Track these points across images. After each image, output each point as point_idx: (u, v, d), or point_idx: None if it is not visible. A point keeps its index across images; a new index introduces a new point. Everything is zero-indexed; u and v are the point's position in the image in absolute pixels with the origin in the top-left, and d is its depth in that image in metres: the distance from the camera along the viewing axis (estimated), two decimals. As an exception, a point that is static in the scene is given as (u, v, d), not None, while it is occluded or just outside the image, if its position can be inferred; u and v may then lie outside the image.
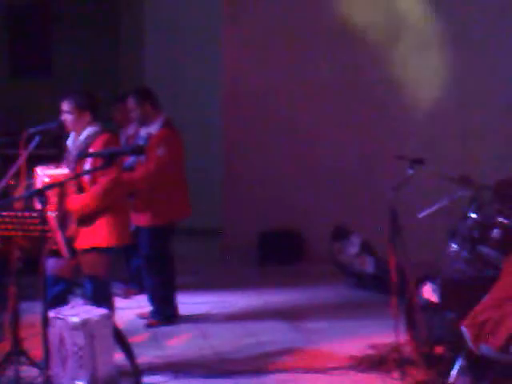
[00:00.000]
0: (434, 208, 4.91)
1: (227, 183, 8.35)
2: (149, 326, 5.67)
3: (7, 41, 10.37)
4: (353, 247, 7.02)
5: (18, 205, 4.38)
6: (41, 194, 3.66)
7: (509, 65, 7.34)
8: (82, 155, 4.46)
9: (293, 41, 7.86)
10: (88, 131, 4.56)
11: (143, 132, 5.63)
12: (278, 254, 7.85)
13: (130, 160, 5.54)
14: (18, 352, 4.18)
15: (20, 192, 4.51)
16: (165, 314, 5.78)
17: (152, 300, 5.82)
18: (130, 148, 4.91)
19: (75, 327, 3.89)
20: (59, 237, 4.25)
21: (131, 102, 5.57)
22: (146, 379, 4.47)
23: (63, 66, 10.50)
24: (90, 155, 4.46)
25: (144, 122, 5.53)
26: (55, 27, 10.64)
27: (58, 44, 10.62)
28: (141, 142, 5.52)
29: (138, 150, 4.68)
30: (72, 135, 4.74)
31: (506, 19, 7.24)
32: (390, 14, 7.58)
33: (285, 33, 7.92)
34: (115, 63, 10.75)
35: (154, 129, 5.46)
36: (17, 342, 4.22)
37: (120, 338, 4.34)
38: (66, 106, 4.55)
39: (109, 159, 4.14)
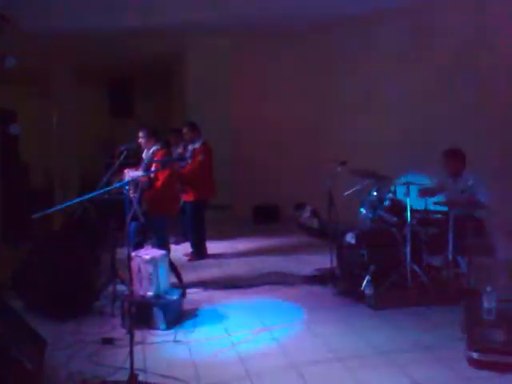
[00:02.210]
0: (352, 190, 5.98)
1: (234, 177, 10.13)
2: (189, 260, 7.03)
3: (108, 97, 13.40)
4: (306, 213, 8.66)
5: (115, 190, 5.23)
6: (126, 184, 4.30)
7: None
8: (150, 162, 5.65)
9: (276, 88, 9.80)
10: (153, 148, 5.69)
11: (190, 147, 7.13)
12: (263, 218, 9.70)
13: (181, 164, 7.04)
14: (115, 276, 5.15)
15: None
16: (199, 253, 7.22)
17: (192, 245, 7.24)
18: (177, 157, 6.22)
19: (147, 261, 4.65)
20: (138, 209, 5.16)
21: (185, 129, 7.17)
22: (188, 290, 5.45)
23: (140, 111, 13.21)
24: (155, 161, 5.64)
25: (191, 141, 7.14)
26: (136, 88, 13.40)
27: (138, 98, 13.51)
28: (188, 154, 7.09)
29: (182, 158, 6.37)
30: (145, 151, 5.78)
31: None
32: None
33: (271, 81, 9.90)
34: (170, 108, 13.49)
35: (197, 145, 7.09)
36: (114, 270, 5.15)
37: (173, 267, 5.41)
38: (141, 133, 5.74)
39: (164, 164, 5.63)
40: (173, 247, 7.33)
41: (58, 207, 3.55)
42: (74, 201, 3.54)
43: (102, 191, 3.74)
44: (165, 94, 13.58)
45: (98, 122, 13.14)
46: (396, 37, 8.21)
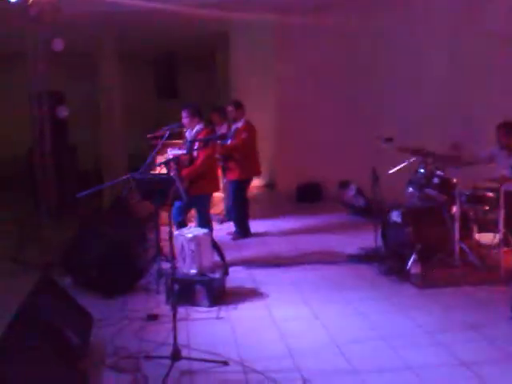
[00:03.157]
0: (398, 167, 5.86)
1: (278, 156, 10.35)
2: (233, 239, 7.00)
3: (153, 77, 13.62)
4: (351, 192, 8.53)
5: (158, 169, 5.80)
6: (167, 163, 4.77)
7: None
8: (192, 140, 5.65)
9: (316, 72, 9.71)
10: (197, 128, 5.67)
11: (234, 126, 7.17)
12: (307, 197, 9.60)
13: (224, 141, 6.94)
14: (159, 254, 5.27)
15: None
16: (242, 232, 7.22)
17: (235, 224, 7.20)
18: (217, 136, 5.96)
19: (190, 239, 4.74)
20: (180, 187, 5.00)
21: (230, 108, 7.19)
22: (231, 269, 5.41)
23: (184, 91, 13.29)
24: (196, 140, 5.62)
25: (235, 120, 7.16)
26: (180, 68, 13.42)
27: (182, 78, 13.52)
28: (231, 133, 7.10)
29: (222, 137, 6.09)
30: (188, 131, 5.81)
31: None
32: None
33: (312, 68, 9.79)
34: (214, 87, 13.51)
35: (240, 124, 7.09)
36: (159, 248, 5.31)
37: (216, 246, 5.39)
38: (184, 113, 5.72)
39: (206, 142, 5.53)
40: (216, 226, 7.42)
41: (100, 186, 3.62)
42: (115, 181, 3.60)
43: (140, 171, 3.79)
44: (208, 73, 13.62)
45: (144, 104, 13.33)
46: (444, 9, 7.86)
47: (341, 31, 9.43)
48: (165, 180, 4.22)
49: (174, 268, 3.97)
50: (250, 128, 7.16)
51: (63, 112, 7.92)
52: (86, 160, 11.36)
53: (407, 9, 8.43)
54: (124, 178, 3.69)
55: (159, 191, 4.13)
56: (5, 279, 5.53)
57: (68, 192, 8.14)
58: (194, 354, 3.74)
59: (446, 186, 5.50)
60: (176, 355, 3.57)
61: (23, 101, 7.54)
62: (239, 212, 7.22)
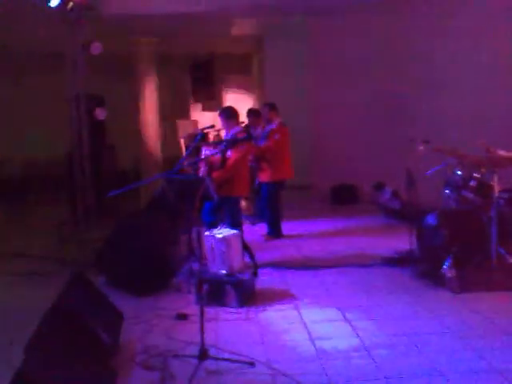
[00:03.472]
0: (436, 169, 5.76)
1: (312, 157, 10.10)
2: (266, 240, 7.04)
3: (191, 81, 13.75)
4: (386, 194, 8.46)
5: (188, 170, 5.30)
6: (195, 163, 4.72)
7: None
8: (220, 141, 5.92)
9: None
10: (233, 130, 5.78)
11: (267, 127, 7.17)
12: (342, 199, 9.58)
13: (258, 142, 7.08)
14: (191, 254, 5.15)
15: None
16: (275, 233, 7.23)
17: (268, 225, 7.22)
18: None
19: (220, 240, 4.78)
20: (211, 188, 4.88)
21: (265, 110, 7.25)
22: (262, 270, 5.51)
23: (221, 94, 13.44)
24: (224, 142, 5.68)
25: (269, 121, 7.19)
26: (216, 72, 13.47)
27: (219, 81, 13.66)
28: (264, 134, 7.08)
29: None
30: (225, 133, 5.93)
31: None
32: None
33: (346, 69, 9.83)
34: (251, 90, 13.29)
35: (273, 126, 7.12)
36: (191, 249, 5.10)
37: (246, 247, 5.37)
38: (220, 117, 5.82)
39: (233, 144, 5.49)
40: (249, 228, 7.47)
41: (130, 186, 3.67)
42: (144, 181, 3.65)
43: (168, 172, 3.83)
44: (245, 75, 13.67)
45: (180, 105, 13.49)
46: (476, 11, 7.72)
47: (375, 32, 9.32)
48: (195, 180, 4.24)
49: (200, 268, 4.15)
50: (283, 129, 7.17)
51: (102, 114, 8.09)
52: (125, 161, 11.54)
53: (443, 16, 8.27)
54: (153, 178, 3.68)
55: (190, 191, 4.13)
56: (44, 278, 5.68)
57: (106, 192, 8.28)
58: (222, 354, 3.76)
59: (483, 188, 5.37)
60: (203, 355, 3.58)
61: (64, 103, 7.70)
62: (272, 213, 7.22)
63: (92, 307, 3.63)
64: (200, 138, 5.56)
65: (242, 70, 13.39)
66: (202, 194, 4.37)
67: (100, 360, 3.19)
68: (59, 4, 7.10)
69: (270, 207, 7.18)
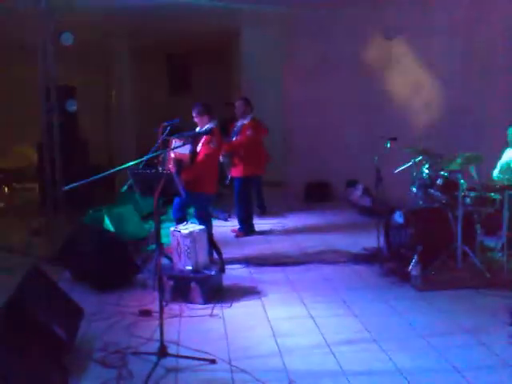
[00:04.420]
0: (403, 167, 5.87)
1: (286, 154, 10.13)
2: (236, 236, 6.99)
3: (166, 75, 13.57)
4: (358, 191, 8.53)
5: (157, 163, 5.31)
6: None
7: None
8: (184, 135, 5.45)
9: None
10: (206, 126, 5.62)
11: (240, 122, 7.08)
12: (315, 196, 9.53)
13: (231, 137, 7.00)
14: (159, 249, 4.97)
15: (158, 159, 5.33)
16: (245, 229, 7.13)
17: (239, 221, 7.12)
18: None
19: (185, 236, 4.70)
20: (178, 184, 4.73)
21: (238, 104, 7.12)
22: (230, 266, 5.53)
23: (198, 87, 13.17)
24: (184, 136, 5.39)
25: (243, 116, 7.07)
26: (194, 64, 13.42)
27: (195, 75, 13.52)
28: (236, 129, 7.01)
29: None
30: (199, 128, 5.75)
31: None
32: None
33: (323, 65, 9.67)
34: (226, 84, 13.22)
35: (246, 121, 7.03)
36: (158, 244, 5.09)
37: (213, 243, 5.39)
38: (193, 112, 5.73)
39: (189, 138, 5.30)
40: (221, 223, 7.51)
41: (91, 179, 3.60)
42: (106, 173, 3.61)
43: (130, 164, 3.78)
44: (221, 69, 13.56)
45: (156, 98, 13.32)
46: (449, 9, 7.78)
47: (351, 30, 9.32)
48: (161, 175, 4.04)
49: (158, 264, 3.93)
50: (255, 125, 7.10)
51: (72, 106, 7.97)
52: (99, 155, 11.37)
53: (421, 7, 8.30)
54: (113, 170, 3.62)
55: (155, 186, 3.94)
56: (10, 271, 5.51)
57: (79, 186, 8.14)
58: (183, 352, 3.73)
59: (449, 187, 5.39)
60: (162, 352, 3.54)
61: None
62: (243, 209, 7.16)
63: (47, 302, 3.55)
64: (168, 131, 5.38)
65: (220, 62, 13.29)
66: (167, 190, 4.12)
67: (53, 357, 3.11)
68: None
69: (241, 203, 7.08)
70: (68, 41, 7.61)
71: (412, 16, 8.45)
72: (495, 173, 5.90)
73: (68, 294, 4.03)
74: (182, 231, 4.78)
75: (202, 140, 5.53)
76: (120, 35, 11.02)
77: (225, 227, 7.38)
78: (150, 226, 6.88)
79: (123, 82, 11.34)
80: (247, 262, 5.86)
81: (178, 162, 5.41)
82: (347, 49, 9.38)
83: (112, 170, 3.66)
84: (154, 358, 3.55)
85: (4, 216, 8.90)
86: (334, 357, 3.66)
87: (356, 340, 3.93)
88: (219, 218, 7.86)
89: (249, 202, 7.21)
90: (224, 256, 5.53)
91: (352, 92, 9.30)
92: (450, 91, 7.95)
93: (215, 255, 5.40)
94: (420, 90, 8.40)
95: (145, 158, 4.06)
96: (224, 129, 6.86)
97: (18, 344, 2.98)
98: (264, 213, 8.12)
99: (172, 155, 5.44)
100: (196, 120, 5.76)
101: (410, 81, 8.57)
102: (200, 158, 5.49)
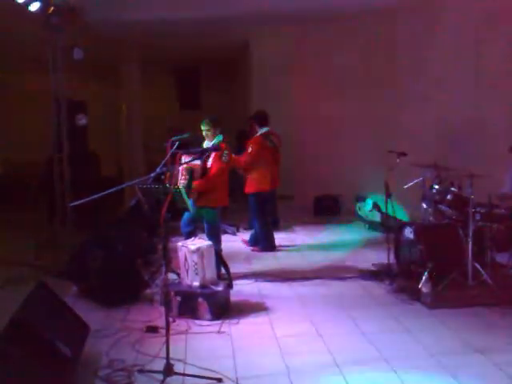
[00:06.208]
0: (413, 182, 5.80)
1: (296, 168, 9.95)
2: (252, 250, 7.01)
3: (176, 89, 13.71)
4: (367, 206, 8.40)
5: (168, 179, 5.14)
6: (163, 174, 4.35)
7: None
8: (191, 151, 5.34)
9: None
10: (214, 141, 5.59)
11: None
12: (324, 209, 9.54)
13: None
14: (167, 264, 4.84)
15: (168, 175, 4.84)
16: (266, 246, 7.03)
17: (261, 237, 7.02)
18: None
19: (193, 251, 4.68)
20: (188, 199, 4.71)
21: (251, 122, 7.18)
22: (239, 281, 5.52)
23: (207, 103, 13.34)
24: (191, 152, 5.27)
25: (254, 133, 7.07)
26: (203, 79, 13.56)
27: (204, 90, 13.63)
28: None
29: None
30: (206, 141, 5.70)
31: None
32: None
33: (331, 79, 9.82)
34: (236, 98, 13.46)
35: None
36: (167, 259, 5.02)
37: (221, 259, 5.39)
38: (203, 126, 5.66)
39: (195, 155, 5.23)
40: (229, 237, 7.47)
41: (97, 195, 3.57)
42: (112, 189, 3.57)
43: (136, 181, 3.74)
44: (230, 83, 13.64)
45: (166, 112, 13.42)
46: (461, 22, 7.74)
47: (362, 44, 9.32)
48: (168, 191, 3.98)
49: (165, 280, 3.90)
50: (258, 141, 6.97)
51: (82, 120, 8.01)
52: (108, 167, 11.41)
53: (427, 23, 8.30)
54: (120, 187, 3.58)
55: (163, 201, 3.90)
56: (18, 284, 5.52)
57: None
58: (190, 370, 3.68)
59: (459, 202, 5.33)
60: (169, 370, 3.48)
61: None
62: (261, 226, 7.07)
63: (52, 319, 3.51)
64: (177, 146, 5.31)
65: (229, 77, 13.36)
66: (176, 205, 4.09)
67: (58, 374, 3.06)
68: (40, 8, 6.99)
69: (259, 219, 7.01)
70: (79, 55, 7.66)
71: (423, 31, 8.39)
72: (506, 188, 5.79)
73: (74, 310, 3.98)
74: (189, 247, 4.73)
75: (212, 155, 5.51)
76: (131, 49, 11.08)
77: (234, 241, 7.36)
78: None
79: (133, 95, 11.36)
80: (255, 277, 5.83)
81: (190, 170, 5.38)
82: (358, 62, 9.34)
83: (120, 186, 3.61)
84: (160, 376, 3.48)
85: (12, 228, 8.87)
86: (343, 377, 3.58)
87: (365, 359, 3.84)
88: (227, 232, 7.80)
89: (265, 218, 7.09)
90: (232, 271, 5.50)
91: (363, 106, 9.28)
92: (461, 105, 7.86)
93: (223, 270, 5.35)
94: (431, 104, 8.30)
95: (152, 175, 3.90)
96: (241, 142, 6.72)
97: (21, 360, 2.94)
98: (277, 227, 8.01)
99: (184, 165, 5.36)
100: (205, 133, 5.69)
101: (420, 94, 8.48)
102: (213, 171, 5.44)
